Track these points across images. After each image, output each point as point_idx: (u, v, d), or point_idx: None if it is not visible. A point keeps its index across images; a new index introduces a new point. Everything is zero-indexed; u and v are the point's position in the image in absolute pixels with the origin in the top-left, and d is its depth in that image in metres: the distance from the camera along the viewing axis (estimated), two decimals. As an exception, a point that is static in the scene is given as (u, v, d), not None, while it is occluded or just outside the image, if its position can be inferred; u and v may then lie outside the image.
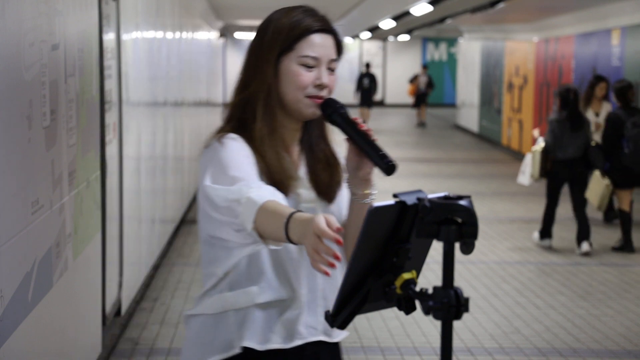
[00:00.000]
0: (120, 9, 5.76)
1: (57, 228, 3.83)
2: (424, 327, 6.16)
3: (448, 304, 1.88)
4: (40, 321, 3.54)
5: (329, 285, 2.35)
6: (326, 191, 2.35)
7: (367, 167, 2.27)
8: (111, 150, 5.48)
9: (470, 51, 23.74)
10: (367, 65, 25.82)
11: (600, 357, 5.72)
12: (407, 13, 15.81)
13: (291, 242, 1.98)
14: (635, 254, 8.73)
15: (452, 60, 32.43)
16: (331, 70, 2.29)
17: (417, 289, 1.97)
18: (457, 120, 25.64)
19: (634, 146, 8.29)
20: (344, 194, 2.38)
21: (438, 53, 33.59)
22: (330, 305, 2.27)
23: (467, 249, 1.89)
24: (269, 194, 2.07)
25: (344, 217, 2.37)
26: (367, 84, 24.68)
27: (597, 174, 8.62)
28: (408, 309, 2.01)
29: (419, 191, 1.97)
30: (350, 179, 2.31)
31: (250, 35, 2.48)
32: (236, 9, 17.45)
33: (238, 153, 2.19)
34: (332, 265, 1.87)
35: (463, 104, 24.81)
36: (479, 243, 7.74)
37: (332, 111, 2.32)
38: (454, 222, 1.88)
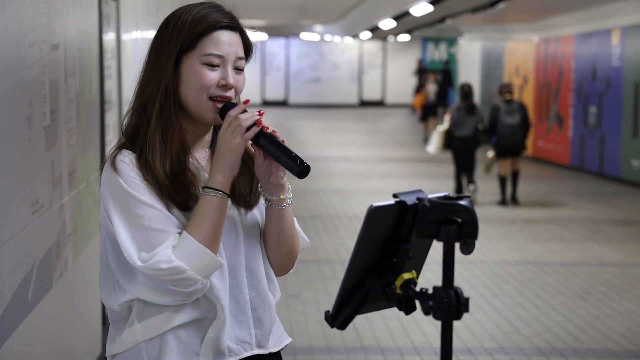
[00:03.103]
0: (120, 9, 5.76)
1: (57, 228, 3.83)
2: (424, 327, 6.16)
3: (448, 304, 1.88)
4: (40, 321, 3.54)
5: (256, 295, 2.18)
6: (244, 199, 2.18)
7: (279, 171, 2.12)
8: (111, 150, 5.48)
9: (470, 51, 23.73)
10: (446, 63, 26.38)
11: (600, 357, 5.72)
12: (407, 13, 15.81)
13: (224, 192, 2.04)
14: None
15: (452, 60, 32.42)
16: (238, 69, 2.13)
17: (417, 289, 1.97)
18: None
19: (503, 128, 11.44)
20: (262, 202, 2.23)
21: (438, 53, 33.58)
22: (260, 315, 2.18)
23: (467, 249, 1.89)
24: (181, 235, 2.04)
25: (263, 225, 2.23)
26: (440, 80, 24.89)
27: (489, 151, 11.86)
28: (408, 309, 2.01)
29: (419, 191, 1.97)
30: (263, 185, 2.15)
31: (254, 37, 2.31)
32: (236, 9, 17.42)
33: (137, 186, 2.04)
34: (260, 113, 2.06)
35: (463, 104, 24.81)
36: (479, 243, 7.75)
37: None
38: (454, 222, 1.88)
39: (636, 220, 10.81)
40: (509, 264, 8.29)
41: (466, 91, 11.60)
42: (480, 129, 11.47)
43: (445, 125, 11.77)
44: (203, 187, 2.04)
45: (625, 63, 13.77)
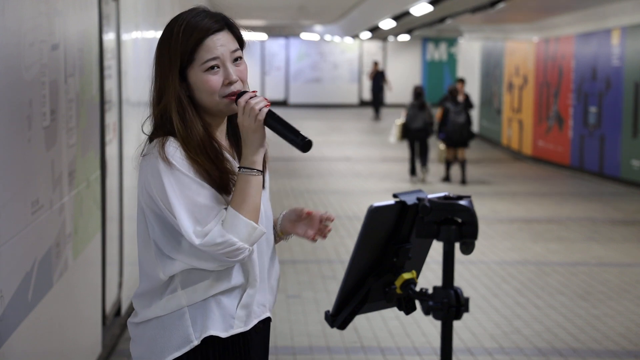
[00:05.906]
0: (120, 9, 5.75)
1: (57, 228, 3.83)
2: (424, 327, 6.16)
3: (448, 304, 1.88)
4: (40, 321, 3.54)
5: (270, 262, 2.42)
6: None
7: (307, 233, 2.46)
8: (111, 150, 5.48)
9: (470, 51, 23.73)
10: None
11: (600, 357, 5.72)
12: (407, 13, 15.81)
13: (258, 169, 2.28)
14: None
15: (452, 60, 32.41)
16: (237, 59, 2.35)
17: (417, 289, 1.97)
18: (457, 120, 25.58)
19: (452, 125, 13.76)
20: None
21: (438, 53, 33.56)
22: (272, 282, 2.42)
23: (467, 249, 1.90)
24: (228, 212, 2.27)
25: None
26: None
27: (440, 143, 14.32)
28: (408, 309, 2.01)
29: (419, 191, 1.97)
30: (286, 230, 2.49)
31: (249, 36, 2.46)
32: (236, 9, 17.45)
33: (188, 169, 2.26)
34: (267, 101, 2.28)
35: (463, 104, 24.76)
36: (479, 243, 7.76)
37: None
38: (454, 222, 1.88)
39: (636, 220, 10.81)
40: (509, 264, 8.29)
41: (418, 92, 14.01)
42: (429, 121, 13.92)
43: (402, 119, 14.31)
44: (240, 167, 2.29)
45: (625, 63, 13.76)
